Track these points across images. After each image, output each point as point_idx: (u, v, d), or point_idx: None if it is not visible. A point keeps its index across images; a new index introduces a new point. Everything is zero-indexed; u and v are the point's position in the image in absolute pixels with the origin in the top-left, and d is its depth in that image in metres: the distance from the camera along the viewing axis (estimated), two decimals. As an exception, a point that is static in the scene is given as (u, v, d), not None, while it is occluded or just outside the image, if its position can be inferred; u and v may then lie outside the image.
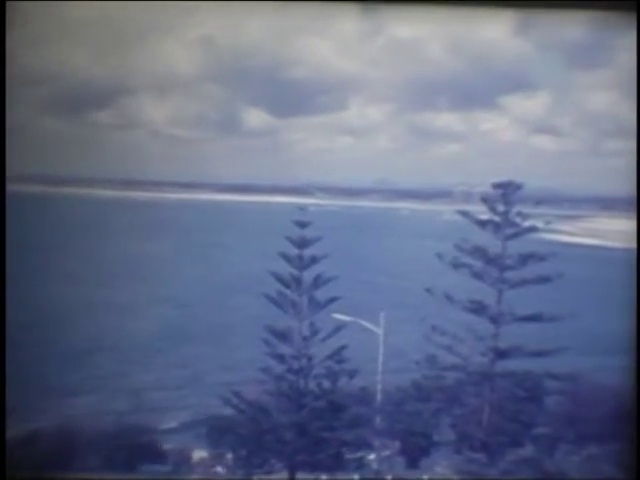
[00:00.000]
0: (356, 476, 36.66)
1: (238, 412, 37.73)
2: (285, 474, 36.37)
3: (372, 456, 39.57)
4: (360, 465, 38.21)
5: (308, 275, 37.03)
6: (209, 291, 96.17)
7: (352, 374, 37.24)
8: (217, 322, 78.95)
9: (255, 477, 37.26)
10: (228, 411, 37.88)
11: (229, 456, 39.83)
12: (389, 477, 37.07)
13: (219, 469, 39.64)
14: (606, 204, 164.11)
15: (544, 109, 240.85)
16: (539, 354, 37.74)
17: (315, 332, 36.65)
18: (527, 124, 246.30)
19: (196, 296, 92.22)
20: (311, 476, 36.07)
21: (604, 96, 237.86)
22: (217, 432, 39.92)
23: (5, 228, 15.77)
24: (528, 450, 31.94)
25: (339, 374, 37.07)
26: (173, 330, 75.36)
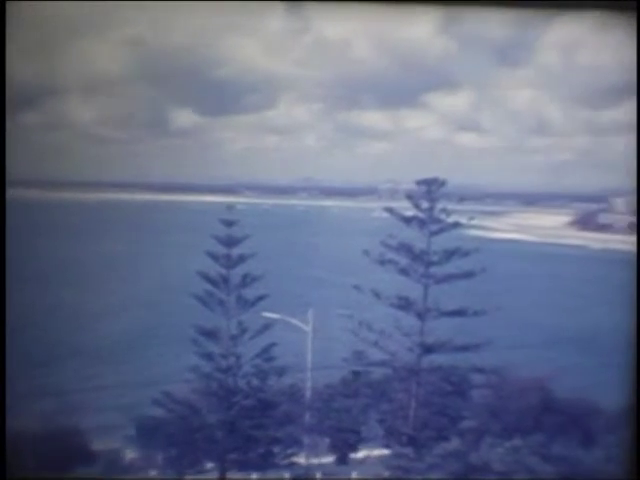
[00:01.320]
0: (286, 474, 36.68)
1: (168, 412, 37.45)
2: (216, 473, 36.22)
3: (302, 453, 39.62)
4: (290, 463, 38.25)
5: (236, 274, 36.94)
6: (138, 291, 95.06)
7: (281, 372, 37.30)
8: (148, 322, 78.17)
9: (187, 477, 37.00)
10: (158, 411, 37.53)
11: (159, 457, 39.44)
12: (319, 474, 37.14)
13: (150, 470, 39.21)
14: (528, 200, 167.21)
15: (468, 107, 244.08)
16: (465, 348, 38.27)
17: (243, 330, 36.61)
18: (451, 122, 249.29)
19: (125, 296, 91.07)
20: (241, 475, 35.99)
21: (526, 94, 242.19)
22: (147, 432, 39.47)
23: (5, 232, 15.38)
24: (454, 443, 32.33)
25: (268, 372, 37.09)
26: (105, 330, 74.35)
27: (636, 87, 18.00)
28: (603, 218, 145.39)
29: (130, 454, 39.98)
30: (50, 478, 32.34)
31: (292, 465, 38.04)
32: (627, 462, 17.69)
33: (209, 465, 37.22)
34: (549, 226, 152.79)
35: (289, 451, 38.86)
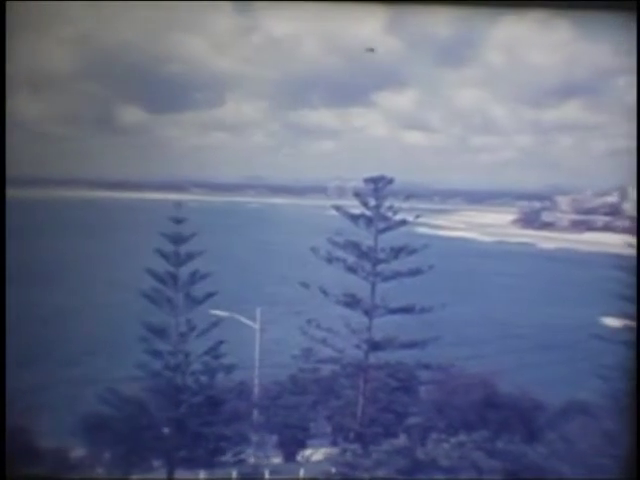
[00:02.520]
0: (234, 471, 36.61)
1: (115, 410, 37.12)
2: (163, 472, 36.02)
3: (250, 451, 39.58)
4: (238, 460, 38.19)
5: (185, 271, 36.77)
6: (87, 290, 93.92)
7: (229, 369, 37.21)
8: (97, 320, 77.28)
9: (133, 476, 36.72)
10: (105, 409, 37.18)
11: (107, 455, 39.05)
12: (267, 471, 37.15)
13: (97, 468, 38.81)
14: (474, 198, 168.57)
15: (415, 105, 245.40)
16: (411, 345, 38.66)
17: (192, 328, 36.44)
18: (398, 120, 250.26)
19: (77, 296, 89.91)
20: (189, 473, 35.85)
21: (472, 93, 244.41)
22: (94, 431, 39.07)
23: (5, 232, 15.15)
24: (401, 439, 32.58)
25: (216, 369, 36.97)
26: (53, 329, 73.37)
27: (636, 87, 18.30)
28: (546, 216, 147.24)
29: (77, 452, 39.57)
30: (50, 478, 32.12)
31: (240, 463, 37.98)
32: (627, 462, 18.08)
33: (156, 463, 36.97)
34: (494, 224, 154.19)
35: (237, 449, 38.78)
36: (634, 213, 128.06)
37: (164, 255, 36.87)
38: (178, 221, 37.10)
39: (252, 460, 38.92)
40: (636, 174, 20.67)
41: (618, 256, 41.13)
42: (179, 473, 35.72)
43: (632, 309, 37.72)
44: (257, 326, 41.52)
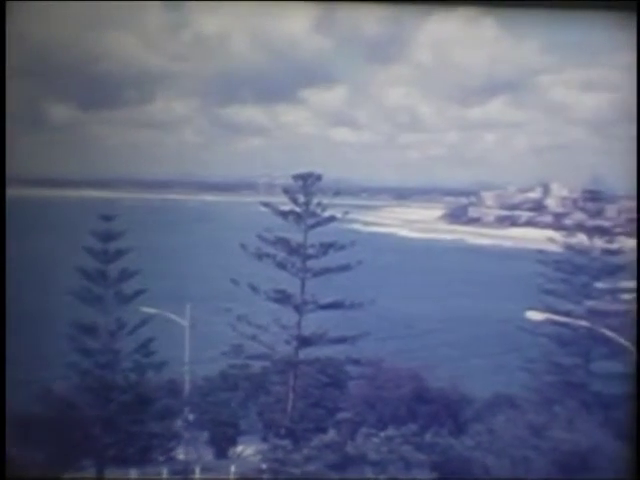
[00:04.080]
0: (165, 469, 36.41)
1: (45, 409, 36.56)
2: (93, 471, 35.62)
3: (180, 448, 39.41)
4: (169, 458, 38.01)
5: (114, 269, 36.40)
6: (16, 288, 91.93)
7: (159, 367, 36.98)
8: (26, 319, 75.82)
9: (65, 476, 36.20)
10: (35, 408, 36.59)
11: (37, 455, 38.43)
12: (197, 468, 37.04)
13: (28, 469, 38.16)
14: (402, 194, 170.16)
15: (343, 103, 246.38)
16: (341, 340, 38.95)
17: (121, 326, 36.08)
18: (327, 117, 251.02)
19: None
20: (120, 471, 35.52)
21: (400, 91, 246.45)
22: (24, 430, 38.42)
23: (5, 231, 14.76)
24: (331, 435, 32.78)
25: (146, 367, 36.69)
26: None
27: (636, 87, 18.53)
28: (473, 211, 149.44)
29: (7, 452, 38.87)
30: (50, 478, 31.49)
31: (170, 460, 37.82)
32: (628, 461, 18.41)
33: (86, 462, 36.52)
34: (422, 220, 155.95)
35: (167, 446, 38.61)
36: (556, 209, 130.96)
37: (93, 253, 36.44)
38: (108, 218, 36.72)
39: (183, 457, 38.78)
40: (636, 174, 21.04)
41: (541, 251, 42.06)
42: (109, 472, 35.37)
43: (555, 303, 38.66)
44: (187, 323, 41.35)
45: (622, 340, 20.61)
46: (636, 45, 15.19)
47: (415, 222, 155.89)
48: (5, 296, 14.96)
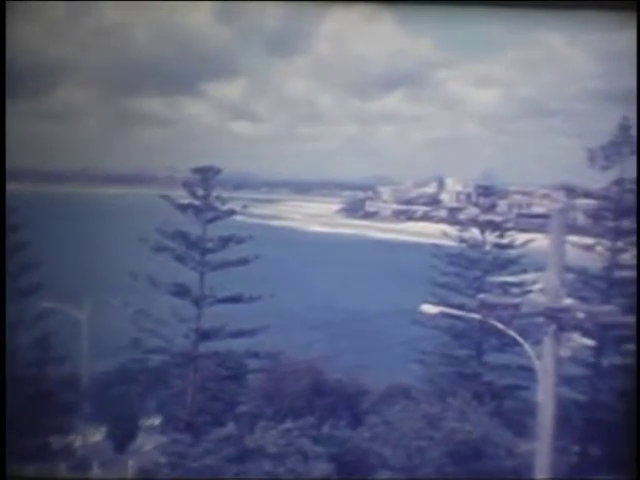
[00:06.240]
0: (63, 464, 35.91)
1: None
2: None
3: (79, 442, 38.93)
4: (67, 452, 37.48)
5: (12, 262, 35.63)
6: None
7: (58, 361, 36.44)
8: None
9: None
10: None
11: None
12: (96, 462, 36.67)
13: None
14: (301, 188, 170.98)
15: (244, 95, 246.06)
16: (240, 334, 39.13)
17: (20, 320, 35.32)
18: (227, 110, 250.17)
19: None
20: (18, 466, 34.83)
21: (300, 83, 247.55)
22: None
23: (5, 228, 14.12)
24: (230, 428, 32.89)
25: (45, 361, 36.12)
26: None
27: (636, 86, 18.86)
28: (370, 206, 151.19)
29: None
30: (50, 478, 30.35)
31: (69, 455, 37.31)
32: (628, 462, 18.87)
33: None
34: (321, 213, 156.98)
35: (66, 441, 38.08)
36: (451, 203, 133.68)
37: None
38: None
39: (81, 452, 38.32)
40: (636, 173, 21.53)
41: (436, 245, 42.95)
42: (7, 467, 34.65)
43: (449, 296, 39.61)
44: (85, 317, 40.84)
45: (512, 332, 21.37)
46: (636, 45, 15.62)
47: (314, 216, 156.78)
48: (5, 296, 14.64)
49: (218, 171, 39.70)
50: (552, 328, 16.60)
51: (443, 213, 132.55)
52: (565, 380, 24.13)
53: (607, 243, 40.75)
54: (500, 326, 22.18)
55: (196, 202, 39.40)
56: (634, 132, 39.69)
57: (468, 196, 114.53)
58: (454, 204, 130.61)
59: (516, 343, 21.19)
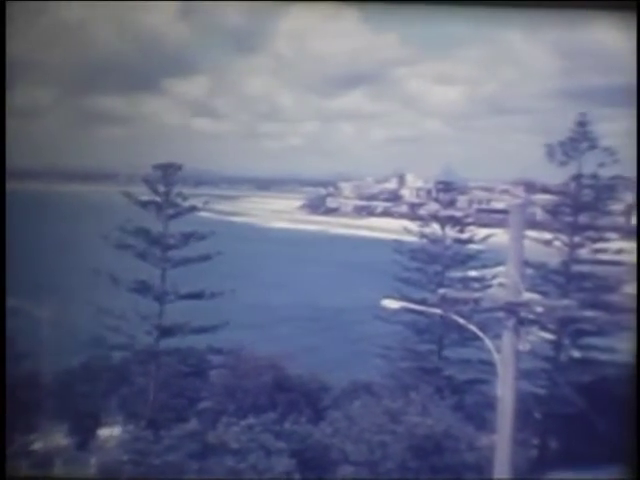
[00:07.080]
0: (24, 462, 35.64)
1: None
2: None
3: (40, 440, 38.63)
4: (28, 450, 37.20)
5: None
6: None
7: (19, 358, 36.16)
8: None
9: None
10: None
11: None
12: (57, 460, 36.42)
13: None
14: (262, 184, 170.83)
15: (204, 92, 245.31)
16: (202, 330, 39.15)
17: None
18: (188, 107, 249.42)
19: None
20: None
21: (260, 81, 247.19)
22: None
23: (5, 228, 13.90)
24: (192, 424, 32.88)
25: (6, 359, 35.76)
26: None
27: (636, 86, 19.00)
28: (331, 202, 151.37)
29: None
30: (50, 478, 29.93)
31: (30, 453, 37.03)
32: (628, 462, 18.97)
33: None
34: (282, 210, 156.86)
35: (27, 439, 37.78)
36: (411, 199, 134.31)
37: None
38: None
39: (42, 450, 38.03)
40: (636, 173, 21.68)
41: (397, 241, 43.27)
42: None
43: (410, 291, 39.95)
44: (46, 314, 40.55)
45: (472, 327, 21.63)
46: (636, 45, 15.68)
47: (275, 212, 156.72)
48: (5, 294, 14.51)
49: (179, 167, 39.67)
50: (512, 322, 16.81)
51: (404, 209, 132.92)
52: (525, 374, 24.44)
53: (565, 238, 41.42)
54: (461, 321, 22.42)
55: (157, 199, 39.36)
56: (591, 128, 40.48)
57: (428, 192, 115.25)
58: (415, 200, 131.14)
59: (476, 337, 21.45)
